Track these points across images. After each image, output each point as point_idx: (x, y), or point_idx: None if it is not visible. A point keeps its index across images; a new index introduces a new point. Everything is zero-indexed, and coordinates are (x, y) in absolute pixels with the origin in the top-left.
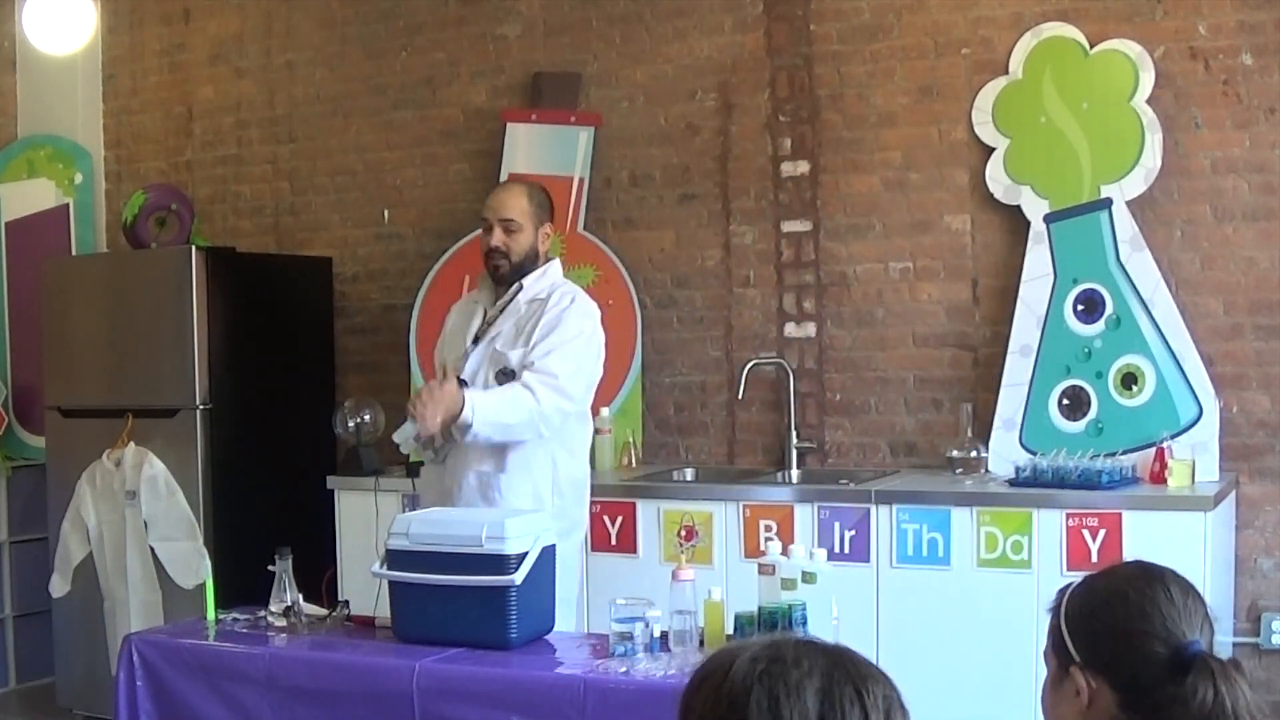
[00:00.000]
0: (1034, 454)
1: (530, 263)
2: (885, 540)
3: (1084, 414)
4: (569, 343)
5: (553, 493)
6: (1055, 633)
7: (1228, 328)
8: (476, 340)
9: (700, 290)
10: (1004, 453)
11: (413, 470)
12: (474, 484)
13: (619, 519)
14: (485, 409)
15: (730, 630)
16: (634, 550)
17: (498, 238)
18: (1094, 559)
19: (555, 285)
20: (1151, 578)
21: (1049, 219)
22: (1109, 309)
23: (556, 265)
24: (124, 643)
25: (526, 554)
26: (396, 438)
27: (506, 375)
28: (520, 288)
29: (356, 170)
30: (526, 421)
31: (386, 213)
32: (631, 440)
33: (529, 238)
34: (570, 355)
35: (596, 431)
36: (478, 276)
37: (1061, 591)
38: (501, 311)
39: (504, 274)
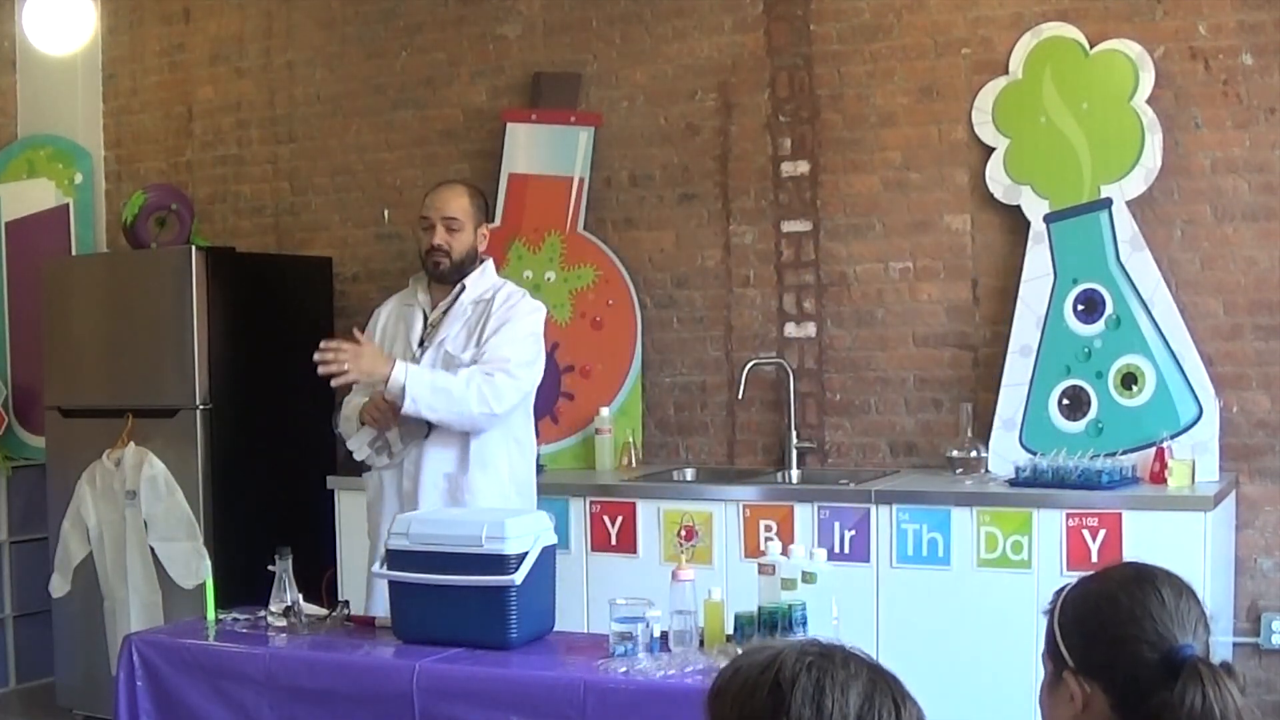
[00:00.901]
0: (1034, 454)
1: (470, 262)
2: (885, 540)
3: (1084, 414)
4: (520, 338)
5: (515, 493)
6: (1050, 637)
7: (1228, 328)
8: (422, 344)
9: (700, 290)
10: (1004, 453)
11: None
12: (441, 486)
13: (619, 519)
14: (419, 372)
15: (730, 630)
16: (634, 550)
17: (440, 236)
18: (1094, 559)
19: (497, 285)
20: (1143, 580)
21: (1049, 219)
22: (1109, 309)
23: (491, 264)
24: (124, 643)
25: (526, 554)
26: (351, 445)
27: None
28: (463, 288)
29: (356, 170)
30: (474, 393)
31: (386, 213)
32: (631, 440)
33: (469, 236)
34: (521, 346)
35: (596, 431)
36: (414, 279)
37: (1057, 594)
38: (445, 313)
39: (444, 271)
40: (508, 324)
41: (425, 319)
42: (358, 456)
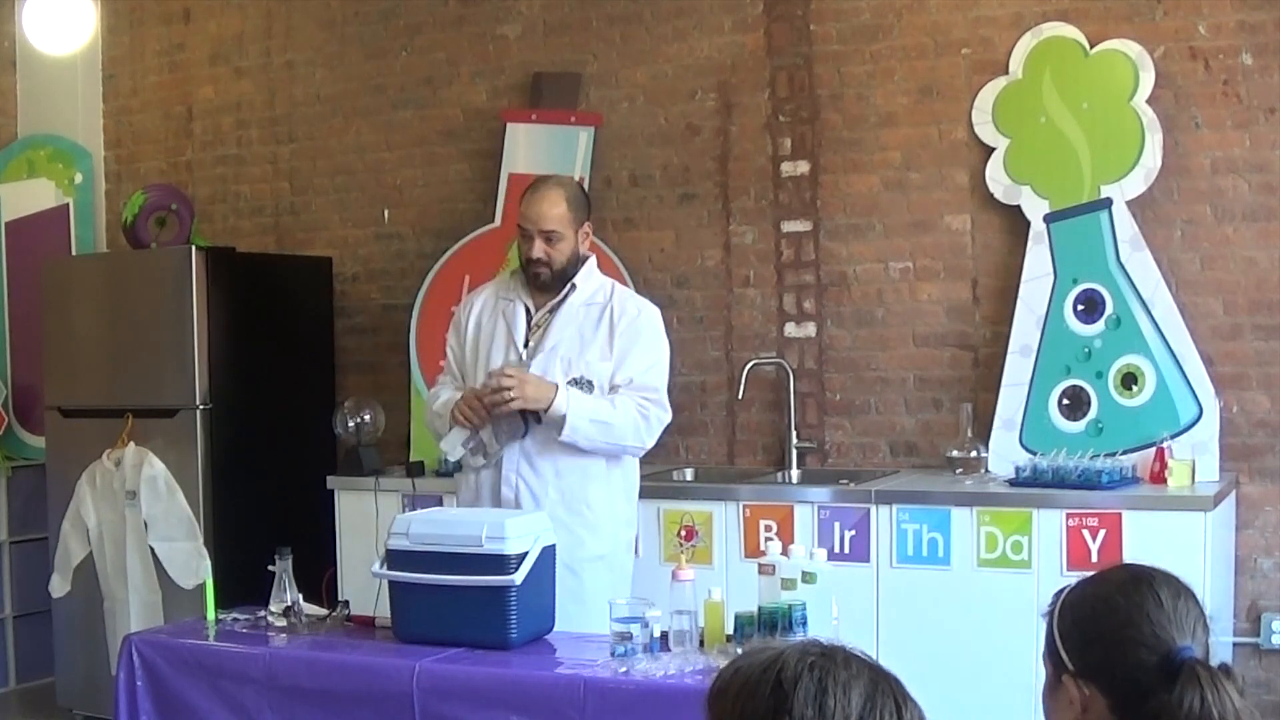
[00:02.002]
0: (1034, 454)
1: (573, 266)
2: (885, 540)
3: (1084, 414)
4: (660, 361)
5: (624, 499)
6: (1049, 640)
7: (1228, 328)
8: (527, 344)
9: (700, 290)
10: (1004, 453)
11: (413, 470)
12: (555, 499)
13: None
14: (580, 401)
15: (730, 630)
16: (634, 550)
17: (539, 249)
18: (1094, 559)
19: (607, 285)
20: (1140, 582)
21: (1049, 219)
22: (1109, 309)
23: (594, 260)
24: (124, 643)
25: (526, 554)
26: (444, 445)
27: (580, 384)
28: (573, 288)
29: (356, 170)
30: (631, 426)
31: (386, 213)
32: None
33: (570, 244)
34: (661, 369)
35: None
36: (512, 273)
37: (1056, 596)
38: (552, 313)
39: (545, 281)
40: (639, 343)
41: (529, 318)
42: (451, 458)
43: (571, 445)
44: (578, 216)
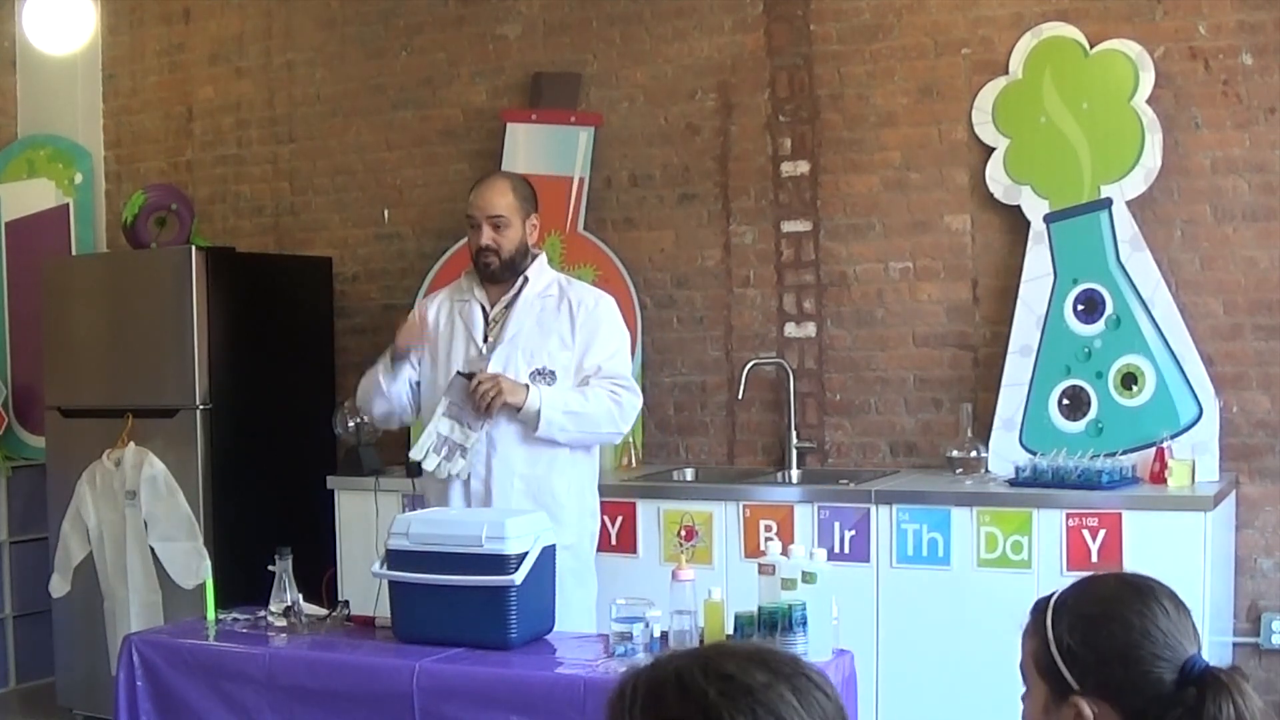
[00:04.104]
0: (1034, 454)
1: (521, 257)
2: (885, 540)
3: (1084, 414)
4: (622, 347)
5: (589, 490)
6: (1045, 659)
7: (1228, 328)
8: (486, 340)
9: (700, 290)
10: (1004, 453)
11: (413, 470)
12: (519, 487)
13: (619, 519)
14: (552, 395)
15: (730, 630)
16: (634, 550)
17: (487, 236)
18: (1094, 559)
19: (560, 279)
20: (1145, 596)
21: (1049, 219)
22: (1109, 309)
23: (544, 256)
24: (124, 643)
25: (526, 554)
26: (415, 454)
27: (543, 375)
28: (525, 280)
29: (356, 170)
30: (605, 413)
31: (386, 213)
32: (631, 440)
33: (518, 232)
34: (625, 355)
35: None
36: (465, 274)
37: (1039, 610)
38: (509, 307)
39: (495, 271)
40: (601, 332)
41: (486, 315)
42: (426, 466)
43: (547, 439)
44: (524, 207)
